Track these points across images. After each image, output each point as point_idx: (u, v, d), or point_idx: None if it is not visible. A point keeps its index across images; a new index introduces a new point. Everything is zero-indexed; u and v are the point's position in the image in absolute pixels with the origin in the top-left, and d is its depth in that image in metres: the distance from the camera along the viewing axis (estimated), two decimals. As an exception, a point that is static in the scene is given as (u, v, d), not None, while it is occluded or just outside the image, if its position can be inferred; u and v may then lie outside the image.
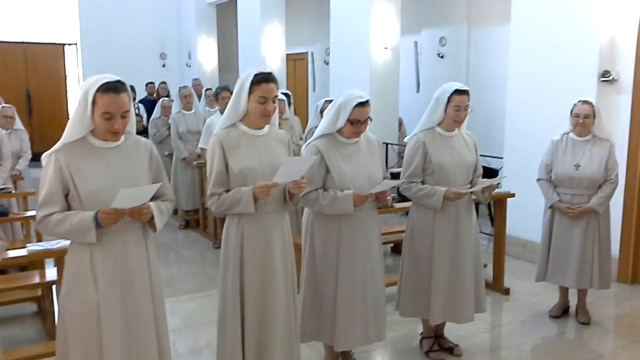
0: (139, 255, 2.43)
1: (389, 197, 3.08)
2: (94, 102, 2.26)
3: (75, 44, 11.79)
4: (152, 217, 2.39)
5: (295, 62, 12.34)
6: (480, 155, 3.63)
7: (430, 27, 9.06)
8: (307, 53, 12.36)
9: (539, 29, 5.45)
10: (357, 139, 3.10)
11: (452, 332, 3.81)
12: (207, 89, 8.09)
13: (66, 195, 2.32)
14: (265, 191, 2.62)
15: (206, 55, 11.87)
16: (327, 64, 11.12)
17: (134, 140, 2.48)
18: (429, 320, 3.54)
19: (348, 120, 2.99)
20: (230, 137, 2.74)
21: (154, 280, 2.49)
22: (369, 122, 3.06)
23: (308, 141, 3.15)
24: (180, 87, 7.02)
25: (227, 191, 2.72)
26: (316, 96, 11.92)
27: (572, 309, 4.33)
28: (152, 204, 2.39)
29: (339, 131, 3.07)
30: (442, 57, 8.84)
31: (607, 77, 4.94)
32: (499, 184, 3.47)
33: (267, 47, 9.73)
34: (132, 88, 9.12)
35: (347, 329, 3.08)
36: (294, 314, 2.92)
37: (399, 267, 3.77)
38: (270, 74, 2.72)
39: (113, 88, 2.26)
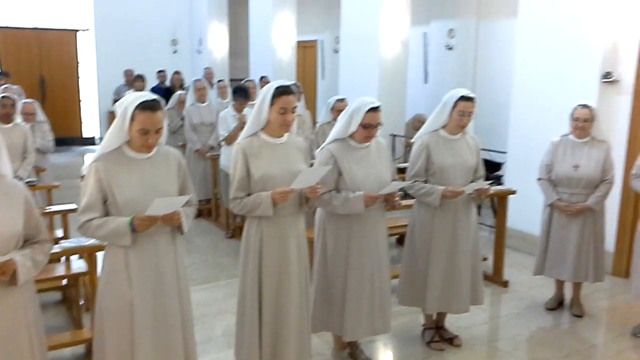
0: (169, 256, 2.68)
1: (396, 198, 3.30)
2: (132, 118, 2.49)
3: (88, 29, 11.93)
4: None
5: (305, 49, 12.47)
6: (484, 150, 3.81)
7: (439, 19, 9.12)
8: (316, 41, 12.48)
9: (545, 26, 5.58)
10: (368, 143, 3.32)
11: (453, 323, 4.06)
12: (219, 80, 8.26)
13: (105, 202, 2.56)
14: (284, 197, 2.86)
15: (217, 42, 11.99)
16: (337, 52, 11.24)
17: (164, 151, 2.71)
18: (425, 310, 3.81)
19: (360, 124, 3.20)
20: (253, 145, 2.97)
21: (181, 277, 2.75)
22: (379, 127, 3.27)
23: (322, 145, 3.38)
24: (194, 80, 7.18)
25: (249, 195, 2.96)
26: (325, 84, 12.04)
27: (568, 301, 4.57)
28: (180, 210, 2.63)
29: (352, 136, 3.28)
30: (450, 49, 8.92)
31: (609, 78, 5.10)
32: (490, 186, 3.72)
33: (277, 34, 9.88)
34: (142, 77, 9.33)
35: (355, 321, 3.33)
36: (306, 307, 3.17)
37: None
38: (289, 87, 2.94)
39: (150, 107, 2.49)
